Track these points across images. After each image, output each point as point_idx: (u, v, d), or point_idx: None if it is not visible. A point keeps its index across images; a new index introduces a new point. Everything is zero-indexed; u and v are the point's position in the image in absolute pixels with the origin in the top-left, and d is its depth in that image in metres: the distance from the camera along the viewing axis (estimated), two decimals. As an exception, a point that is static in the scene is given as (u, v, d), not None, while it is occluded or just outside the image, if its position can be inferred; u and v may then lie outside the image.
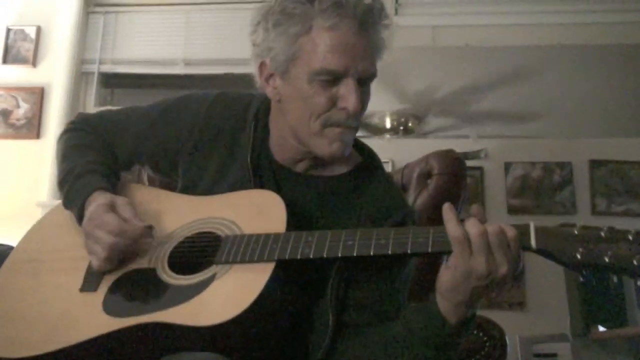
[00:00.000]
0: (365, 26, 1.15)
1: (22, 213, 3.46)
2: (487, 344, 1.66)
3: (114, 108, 3.77)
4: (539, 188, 3.34)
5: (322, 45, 1.13)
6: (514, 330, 2.48)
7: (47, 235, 1.35)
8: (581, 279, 0.98)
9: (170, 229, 1.22)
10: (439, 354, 1.05)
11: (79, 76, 3.88)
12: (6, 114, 3.72)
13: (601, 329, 2.65)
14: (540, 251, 0.97)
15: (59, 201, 3.56)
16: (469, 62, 3.60)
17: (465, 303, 1.01)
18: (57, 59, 3.82)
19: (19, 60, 3.81)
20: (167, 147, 1.35)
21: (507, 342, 1.70)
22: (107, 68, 3.92)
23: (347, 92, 1.14)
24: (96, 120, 1.43)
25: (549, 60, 3.56)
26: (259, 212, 1.17)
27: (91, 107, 3.85)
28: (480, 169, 3.41)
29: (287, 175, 1.28)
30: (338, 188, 1.27)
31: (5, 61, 3.81)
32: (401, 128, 3.61)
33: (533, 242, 0.97)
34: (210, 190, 1.28)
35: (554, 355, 2.99)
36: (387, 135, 3.56)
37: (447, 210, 1.00)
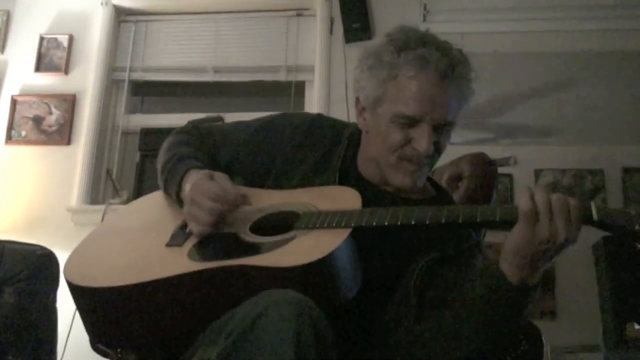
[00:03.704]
0: (446, 79, 1.27)
1: (52, 217, 3.53)
2: (524, 342, 1.63)
3: (143, 114, 3.87)
4: (570, 196, 3.28)
5: (404, 92, 1.28)
6: (544, 339, 2.43)
7: (137, 212, 1.52)
8: (638, 245, 1.08)
9: (251, 209, 1.32)
10: (503, 315, 1.11)
11: (110, 84, 3.93)
12: (39, 120, 3.78)
13: (637, 327, 2.59)
14: (600, 223, 1.06)
15: (88, 206, 3.64)
16: (497, 69, 3.56)
17: (526, 265, 1.07)
18: (89, 67, 3.88)
19: (52, 68, 3.88)
20: (264, 157, 1.46)
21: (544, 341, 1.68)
22: (138, 76, 3.97)
23: (420, 135, 1.28)
24: (203, 128, 1.57)
25: (580, 67, 3.52)
26: (336, 200, 1.26)
27: (121, 115, 3.91)
28: (509, 176, 3.37)
29: (367, 187, 1.38)
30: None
31: (38, 69, 3.87)
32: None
33: (595, 214, 1.06)
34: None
35: (587, 365, 2.93)
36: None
37: (524, 187, 1.10)
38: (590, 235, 2.97)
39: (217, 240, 1.25)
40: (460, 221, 1.11)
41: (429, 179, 1.50)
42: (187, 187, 1.30)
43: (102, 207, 3.47)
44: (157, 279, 1.14)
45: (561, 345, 2.93)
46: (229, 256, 1.15)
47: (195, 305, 1.13)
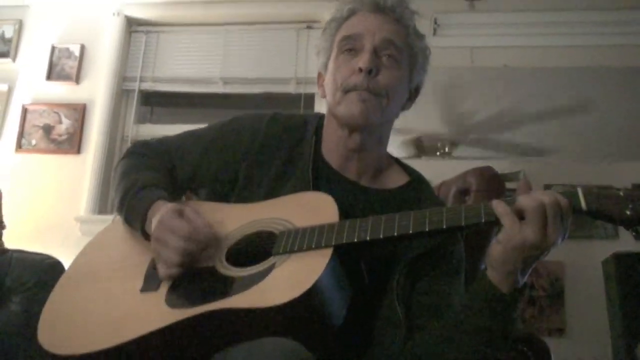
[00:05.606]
0: (379, 11, 1.35)
1: (60, 226, 3.54)
2: (532, 359, 1.61)
3: (153, 125, 3.87)
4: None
5: (344, 27, 1.37)
6: (553, 357, 2.41)
7: (103, 248, 1.39)
8: (633, 233, 1.02)
9: (226, 232, 1.25)
10: (496, 323, 1.09)
11: (120, 94, 3.96)
12: (49, 129, 3.80)
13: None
14: (590, 212, 1.01)
15: (96, 216, 3.62)
16: (507, 84, 3.56)
17: (515, 272, 1.05)
18: (100, 76, 3.91)
19: (63, 77, 3.90)
20: (228, 164, 1.40)
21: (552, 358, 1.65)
22: (148, 86, 3.99)
23: (361, 55, 1.31)
24: (156, 145, 1.49)
25: (590, 82, 3.50)
26: (311, 210, 1.20)
27: (131, 124, 3.93)
28: (518, 191, 3.35)
29: (341, 183, 1.36)
30: (387, 201, 1.35)
31: (49, 78, 3.90)
32: (437, 153, 3.57)
33: (583, 204, 1.01)
34: (266, 199, 1.32)
35: (595, 383, 2.89)
36: (423, 157, 3.53)
37: (497, 203, 1.06)
38: (600, 252, 2.98)
39: (194, 278, 1.17)
40: (444, 227, 1.06)
41: (400, 163, 1.47)
42: (154, 221, 1.22)
43: (110, 217, 3.47)
44: (139, 337, 1.07)
45: (569, 362, 2.90)
46: (209, 298, 1.08)
47: (182, 354, 1.08)
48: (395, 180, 1.41)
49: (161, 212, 1.21)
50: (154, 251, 1.20)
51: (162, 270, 1.17)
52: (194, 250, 1.17)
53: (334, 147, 1.38)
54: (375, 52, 1.31)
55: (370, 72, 1.28)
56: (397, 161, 1.48)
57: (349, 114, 1.30)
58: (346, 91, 1.30)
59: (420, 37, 1.39)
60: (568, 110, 3.50)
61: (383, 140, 1.41)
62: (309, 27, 3.90)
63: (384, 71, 1.31)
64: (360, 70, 1.29)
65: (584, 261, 3.14)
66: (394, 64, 1.32)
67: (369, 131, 1.34)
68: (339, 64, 1.34)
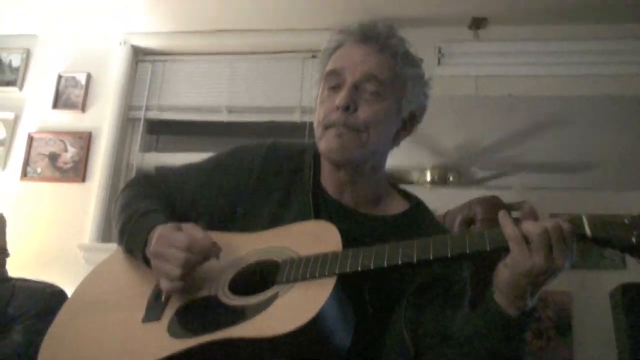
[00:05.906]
0: (365, 41, 1.35)
1: (64, 254, 3.53)
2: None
3: (158, 153, 3.86)
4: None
5: (332, 60, 1.38)
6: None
7: (103, 279, 1.39)
8: (639, 260, 1.01)
9: (228, 261, 1.24)
10: (506, 346, 1.09)
11: (126, 122, 3.97)
12: (54, 157, 3.81)
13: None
14: (595, 239, 1.02)
15: (100, 244, 3.61)
16: (512, 112, 3.56)
17: (524, 296, 1.06)
18: (105, 105, 3.93)
19: (69, 105, 3.93)
20: (227, 195, 1.41)
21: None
22: (153, 115, 4.01)
23: (341, 91, 1.31)
24: (156, 176, 1.51)
25: (593, 110, 3.50)
26: (314, 238, 1.21)
27: (136, 153, 3.93)
28: (524, 220, 3.33)
29: (340, 211, 1.36)
30: (388, 227, 1.35)
31: (55, 106, 3.93)
32: (442, 182, 3.56)
33: (588, 231, 1.02)
34: (267, 228, 1.32)
35: (604, 416, 2.85)
36: (429, 185, 3.52)
37: (503, 214, 1.07)
38: (607, 282, 2.95)
39: (196, 308, 1.17)
40: (449, 255, 1.07)
41: (400, 190, 1.47)
42: (154, 236, 1.23)
43: (113, 245, 3.45)
44: None
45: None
46: (212, 328, 1.07)
47: None
48: (395, 206, 1.42)
49: (158, 231, 1.22)
50: (154, 268, 1.20)
51: (164, 285, 1.17)
52: (194, 260, 1.17)
53: (328, 177, 1.40)
54: (356, 87, 1.31)
55: (348, 108, 1.29)
56: (395, 187, 1.48)
57: (327, 150, 1.32)
58: (326, 127, 1.32)
59: (412, 63, 1.38)
60: (575, 139, 3.49)
61: (378, 169, 1.41)
62: (314, 57, 3.91)
63: (364, 105, 1.31)
64: (337, 105, 1.30)
65: (591, 292, 3.11)
66: (376, 97, 1.32)
67: (355, 166, 1.35)
68: (323, 99, 1.36)
